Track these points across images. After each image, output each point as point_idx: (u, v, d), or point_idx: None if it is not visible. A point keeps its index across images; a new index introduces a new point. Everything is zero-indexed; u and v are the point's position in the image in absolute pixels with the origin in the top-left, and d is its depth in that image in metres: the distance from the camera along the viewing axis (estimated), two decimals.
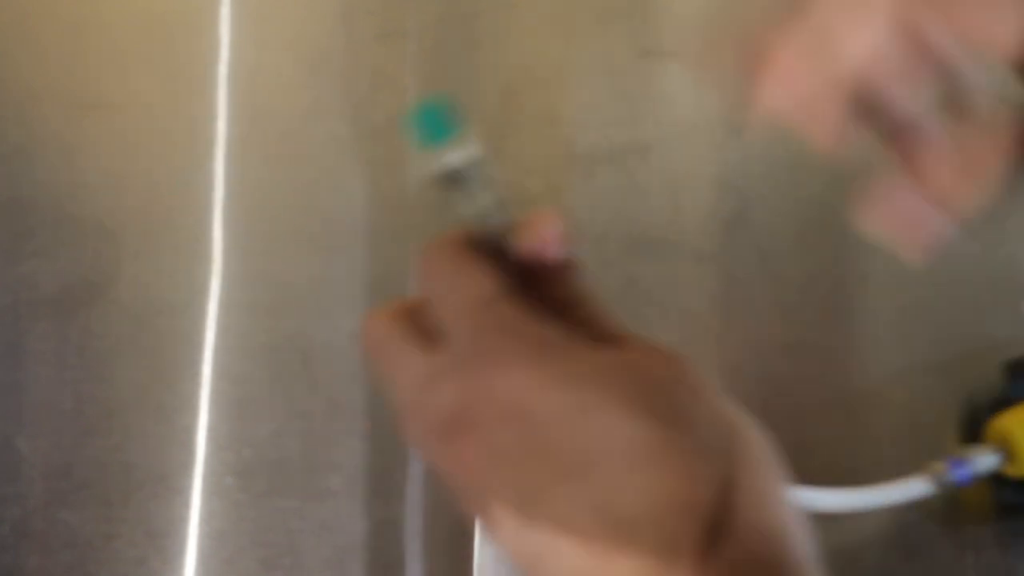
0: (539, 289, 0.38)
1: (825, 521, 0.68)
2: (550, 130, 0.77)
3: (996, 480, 0.68)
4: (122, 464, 0.73)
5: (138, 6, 0.78)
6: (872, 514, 0.70)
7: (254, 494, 0.73)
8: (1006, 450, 0.67)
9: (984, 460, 0.67)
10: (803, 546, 0.34)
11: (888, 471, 0.73)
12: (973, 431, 0.71)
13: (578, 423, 0.33)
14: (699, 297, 0.76)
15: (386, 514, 0.74)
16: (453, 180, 0.39)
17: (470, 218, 0.40)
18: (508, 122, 0.77)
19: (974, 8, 0.34)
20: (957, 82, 0.37)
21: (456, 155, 0.39)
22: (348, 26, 0.78)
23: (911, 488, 0.67)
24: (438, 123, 0.39)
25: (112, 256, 0.75)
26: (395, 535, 0.74)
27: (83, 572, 0.72)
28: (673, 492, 0.33)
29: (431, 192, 0.41)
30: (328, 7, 0.78)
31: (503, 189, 0.40)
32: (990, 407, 0.70)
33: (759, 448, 0.35)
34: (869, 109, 0.37)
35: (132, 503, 0.73)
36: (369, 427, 0.74)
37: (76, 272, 0.75)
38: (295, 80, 0.77)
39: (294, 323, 0.75)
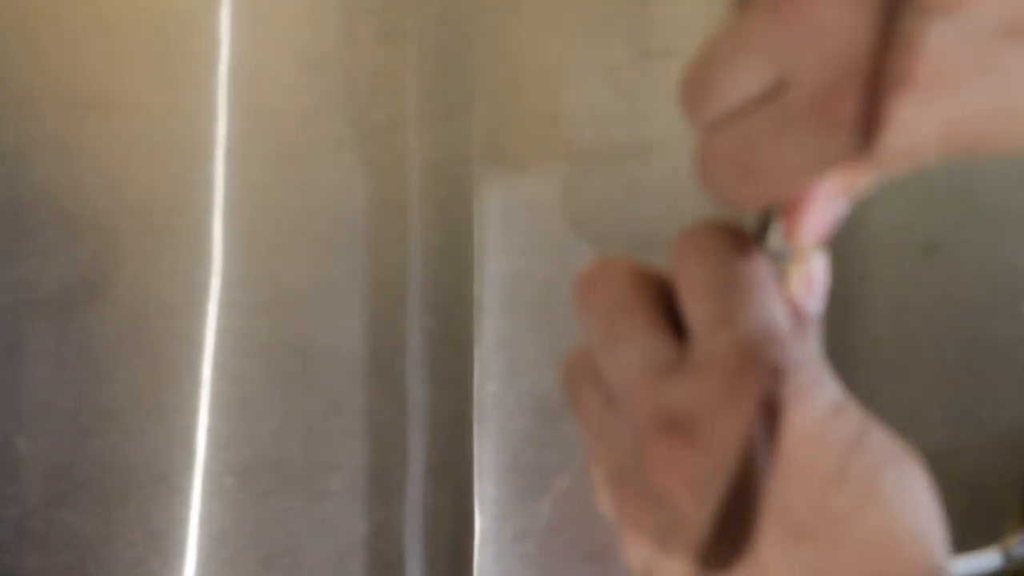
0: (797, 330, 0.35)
1: None
2: (550, 130, 0.77)
3: None
4: (122, 464, 0.73)
5: (138, 7, 0.78)
6: None
7: (254, 494, 0.73)
8: None
9: None
10: None
11: None
12: None
13: (822, 488, 0.31)
14: None
15: (386, 514, 0.74)
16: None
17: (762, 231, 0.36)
18: (508, 122, 0.77)
19: None
20: None
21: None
22: (348, 26, 0.78)
23: (981, 561, 0.67)
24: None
25: (112, 256, 0.75)
26: (395, 535, 0.74)
27: (83, 572, 0.72)
28: None
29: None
30: (328, 7, 0.78)
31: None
32: None
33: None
34: None
35: (132, 503, 0.73)
36: (369, 427, 0.74)
37: (76, 272, 0.75)
38: (295, 80, 0.77)
39: (294, 323, 0.75)
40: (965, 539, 0.72)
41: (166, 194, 0.76)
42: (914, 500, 0.32)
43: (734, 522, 0.32)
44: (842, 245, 0.81)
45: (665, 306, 0.35)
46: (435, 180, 0.77)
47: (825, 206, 0.35)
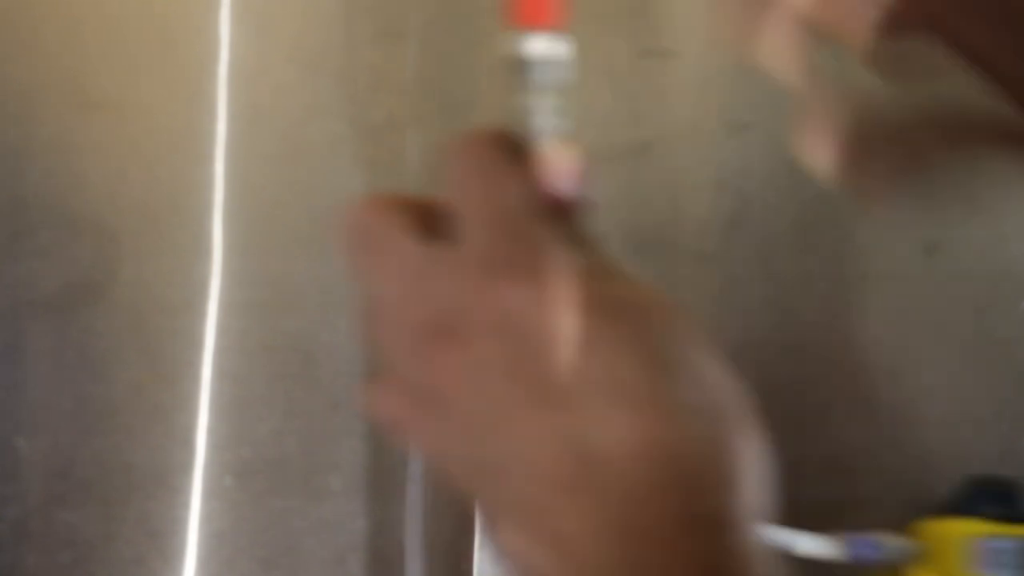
0: (552, 215, 0.37)
1: None
2: None
3: None
4: (122, 464, 0.73)
5: (138, 7, 0.78)
6: None
7: (254, 494, 0.73)
8: (926, 556, 0.68)
9: (892, 548, 0.68)
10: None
11: (888, 472, 0.73)
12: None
13: (593, 352, 0.33)
14: (699, 297, 0.76)
15: (386, 514, 0.74)
16: (522, 69, 0.38)
17: (522, 113, 0.39)
18: (508, 122, 0.77)
19: None
20: None
21: (537, 46, 0.38)
22: (348, 26, 0.78)
23: (821, 545, 0.68)
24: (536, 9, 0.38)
25: (112, 256, 0.75)
26: (395, 535, 0.74)
27: (82, 572, 0.72)
28: (649, 438, 0.32)
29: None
30: (328, 7, 0.78)
31: (567, 100, 0.40)
32: (939, 509, 0.70)
33: (756, 426, 0.35)
34: None
35: (132, 503, 0.73)
36: (369, 427, 0.74)
37: (76, 272, 0.75)
38: (294, 80, 0.77)
39: (294, 323, 0.75)
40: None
41: (166, 194, 0.76)
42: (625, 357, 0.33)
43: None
44: (842, 245, 0.81)
45: (429, 222, 0.37)
46: (435, 180, 0.77)
47: None
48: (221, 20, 0.77)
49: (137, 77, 0.77)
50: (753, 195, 0.77)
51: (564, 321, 0.33)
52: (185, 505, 0.73)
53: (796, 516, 0.69)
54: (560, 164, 0.39)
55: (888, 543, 0.68)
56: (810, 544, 0.68)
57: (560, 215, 0.37)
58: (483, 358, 0.33)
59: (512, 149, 0.37)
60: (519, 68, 0.38)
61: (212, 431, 0.74)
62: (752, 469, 0.34)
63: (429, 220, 0.37)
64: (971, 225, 0.77)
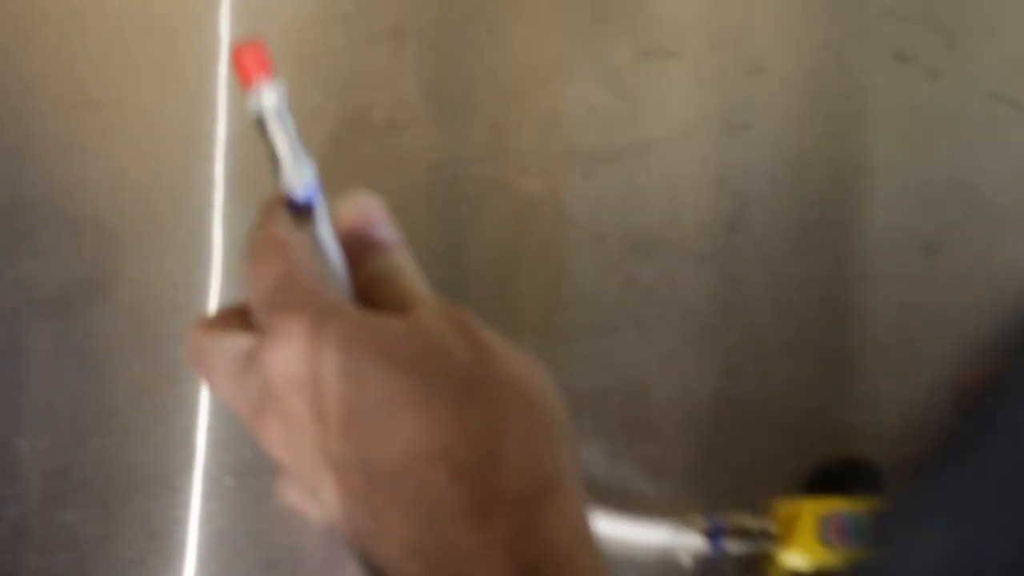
0: (351, 264, 0.40)
1: None
2: (550, 130, 0.77)
3: None
4: (122, 464, 0.73)
5: (138, 6, 0.78)
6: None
7: (254, 494, 0.73)
8: (783, 535, 0.67)
9: (754, 534, 0.68)
10: (579, 514, 0.34)
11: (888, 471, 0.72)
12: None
13: (347, 382, 0.34)
14: (699, 297, 0.76)
15: None
16: (259, 124, 0.41)
17: (272, 165, 0.41)
18: (508, 122, 0.77)
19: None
20: None
21: (260, 99, 0.41)
22: (348, 26, 0.78)
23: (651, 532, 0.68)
24: (250, 67, 0.40)
25: (112, 256, 0.75)
26: None
27: (82, 572, 0.72)
28: (426, 441, 0.33)
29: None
30: (328, 7, 0.78)
31: (300, 139, 0.41)
32: (799, 489, 0.70)
33: (536, 400, 0.35)
34: None
35: (132, 503, 0.73)
36: None
37: (76, 272, 0.75)
38: (295, 80, 0.77)
39: None
40: None
41: (166, 194, 0.76)
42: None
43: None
44: (842, 245, 0.81)
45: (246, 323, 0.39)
46: (435, 180, 0.77)
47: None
48: (221, 20, 0.77)
49: (137, 77, 0.77)
50: (753, 195, 0.77)
51: (338, 357, 0.35)
52: (185, 505, 0.73)
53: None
54: (354, 212, 0.41)
55: (746, 523, 0.68)
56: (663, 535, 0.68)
57: (361, 258, 0.40)
58: (293, 417, 0.35)
59: (281, 231, 0.40)
60: (264, 122, 0.41)
61: (212, 431, 0.74)
62: (550, 437, 0.35)
63: (245, 321, 0.39)
64: (972, 224, 0.77)
